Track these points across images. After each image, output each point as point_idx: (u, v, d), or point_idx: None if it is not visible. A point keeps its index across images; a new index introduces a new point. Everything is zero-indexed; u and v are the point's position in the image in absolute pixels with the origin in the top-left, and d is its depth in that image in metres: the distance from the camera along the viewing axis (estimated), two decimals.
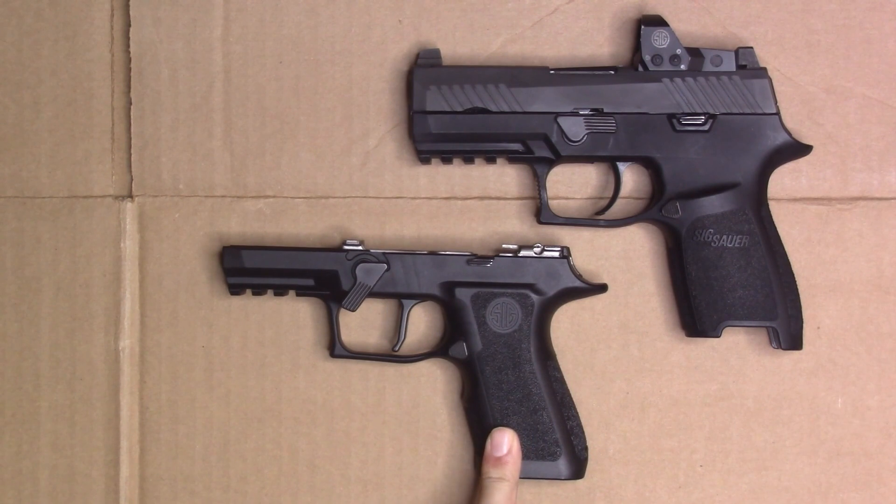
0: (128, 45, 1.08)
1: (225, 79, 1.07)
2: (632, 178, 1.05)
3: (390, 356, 1.04)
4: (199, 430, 1.07)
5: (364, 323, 1.06)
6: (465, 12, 1.06)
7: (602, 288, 1.03)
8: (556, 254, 1.01)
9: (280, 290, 1.03)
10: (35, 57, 1.08)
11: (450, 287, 1.02)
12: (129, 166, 1.08)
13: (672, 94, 1.01)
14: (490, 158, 1.04)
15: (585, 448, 1.02)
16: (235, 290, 1.03)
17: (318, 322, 1.06)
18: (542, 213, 1.03)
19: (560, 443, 1.00)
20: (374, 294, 1.02)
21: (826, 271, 1.04)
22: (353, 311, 1.03)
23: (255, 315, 1.06)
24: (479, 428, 1.02)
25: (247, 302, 1.06)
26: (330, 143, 1.07)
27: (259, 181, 1.07)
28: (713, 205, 1.00)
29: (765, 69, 1.01)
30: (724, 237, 1.00)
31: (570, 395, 1.02)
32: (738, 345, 1.05)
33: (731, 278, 1.00)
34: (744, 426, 1.04)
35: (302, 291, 1.03)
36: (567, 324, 1.05)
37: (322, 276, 1.02)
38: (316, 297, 1.04)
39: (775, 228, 1.02)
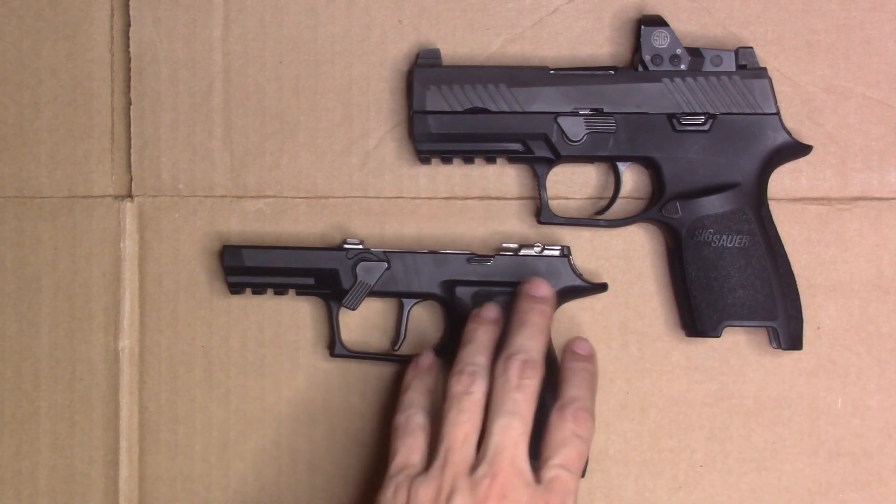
0: (128, 45, 1.08)
1: (225, 79, 1.07)
2: (632, 178, 1.05)
3: (391, 356, 1.04)
4: (198, 430, 1.07)
5: (364, 323, 1.06)
6: (465, 12, 1.06)
7: (602, 287, 1.03)
8: (557, 252, 1.02)
9: (280, 289, 1.03)
10: (35, 57, 1.08)
11: (450, 286, 1.02)
12: (129, 166, 1.08)
13: (672, 93, 1.01)
14: (490, 158, 1.04)
15: None
16: (235, 289, 1.03)
17: (317, 322, 1.06)
18: (542, 213, 1.03)
19: None
20: (374, 293, 1.02)
21: (826, 271, 1.04)
22: (354, 309, 1.02)
23: (255, 315, 1.06)
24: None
25: (246, 302, 1.06)
26: (330, 143, 1.07)
27: (259, 181, 1.07)
28: (713, 205, 1.00)
29: (765, 69, 1.01)
30: (724, 237, 1.00)
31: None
32: (738, 345, 1.05)
33: (731, 278, 1.00)
34: (744, 426, 1.04)
35: (302, 290, 1.03)
36: (567, 324, 1.05)
37: (322, 274, 1.02)
38: (316, 295, 1.04)
39: (775, 228, 1.02)
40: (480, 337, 0.94)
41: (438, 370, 1.00)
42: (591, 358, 0.95)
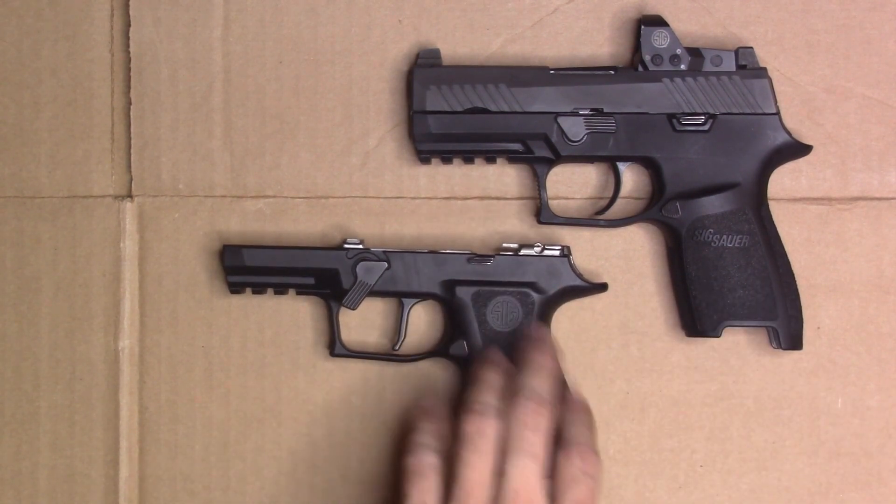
0: (128, 45, 1.08)
1: (225, 79, 1.07)
2: (632, 178, 1.05)
3: (391, 355, 1.04)
4: (198, 430, 1.07)
5: (364, 323, 1.06)
6: (465, 12, 1.06)
7: (602, 287, 1.03)
8: (557, 252, 1.02)
9: (280, 289, 1.03)
10: (35, 57, 1.08)
11: (450, 285, 1.02)
12: (129, 166, 1.08)
13: (672, 93, 1.01)
14: (490, 158, 1.04)
15: None
16: (236, 288, 1.03)
17: (317, 322, 1.06)
18: (542, 213, 1.03)
19: None
20: (374, 293, 1.02)
21: (826, 271, 1.04)
22: (354, 309, 1.02)
23: (255, 315, 1.06)
24: None
25: (247, 302, 1.06)
26: (330, 143, 1.07)
27: (259, 181, 1.07)
28: (713, 205, 1.00)
29: (765, 69, 1.01)
30: (724, 237, 1.00)
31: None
32: (738, 345, 1.05)
33: (731, 278, 1.00)
34: (744, 426, 1.04)
35: (302, 290, 1.03)
36: (567, 324, 1.05)
37: (323, 274, 1.02)
38: (316, 295, 1.04)
39: (775, 228, 1.02)
40: (487, 376, 0.93)
41: (446, 411, 0.96)
42: (586, 409, 0.94)
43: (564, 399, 0.94)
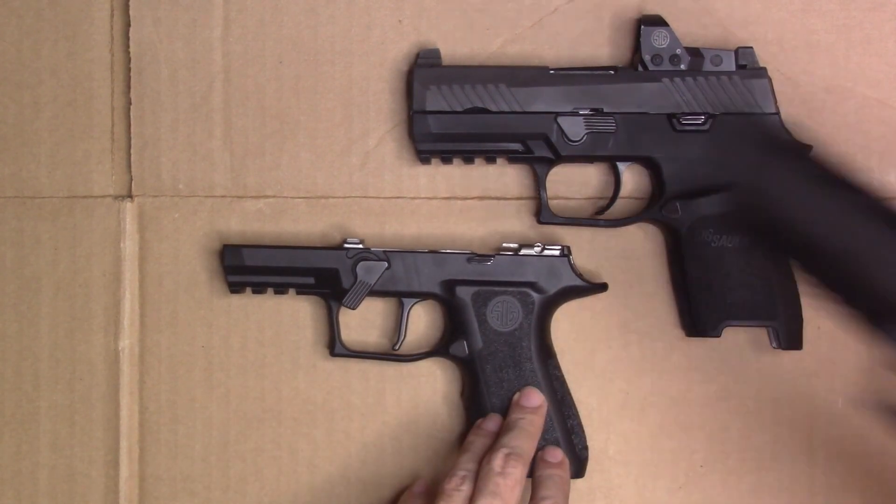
0: (128, 45, 1.08)
1: (225, 79, 1.07)
2: (632, 178, 1.05)
3: (391, 355, 1.04)
4: (198, 431, 1.07)
5: (364, 322, 1.06)
6: (465, 12, 1.06)
7: (602, 287, 1.03)
8: (557, 252, 1.02)
9: (280, 289, 1.03)
10: (35, 57, 1.08)
11: (450, 285, 1.02)
12: (129, 166, 1.08)
13: (672, 93, 1.01)
14: (490, 158, 1.04)
15: (585, 447, 1.02)
16: (235, 288, 1.03)
17: (317, 322, 1.06)
18: (542, 213, 1.03)
19: (560, 442, 1.00)
20: (374, 292, 1.02)
21: None
22: (354, 308, 1.02)
23: (255, 315, 1.06)
24: None
25: (246, 302, 1.06)
26: (330, 143, 1.07)
27: (259, 181, 1.07)
28: (713, 205, 1.00)
29: (765, 69, 1.01)
30: (724, 237, 1.00)
31: (570, 394, 1.02)
32: (738, 345, 1.05)
33: (731, 278, 1.00)
34: (744, 426, 1.04)
35: (302, 290, 1.03)
36: (567, 324, 1.05)
37: (323, 274, 1.02)
38: (316, 295, 1.04)
39: None
40: (476, 446, 0.98)
41: (430, 495, 1.01)
42: (562, 464, 0.99)
43: (543, 457, 0.99)
